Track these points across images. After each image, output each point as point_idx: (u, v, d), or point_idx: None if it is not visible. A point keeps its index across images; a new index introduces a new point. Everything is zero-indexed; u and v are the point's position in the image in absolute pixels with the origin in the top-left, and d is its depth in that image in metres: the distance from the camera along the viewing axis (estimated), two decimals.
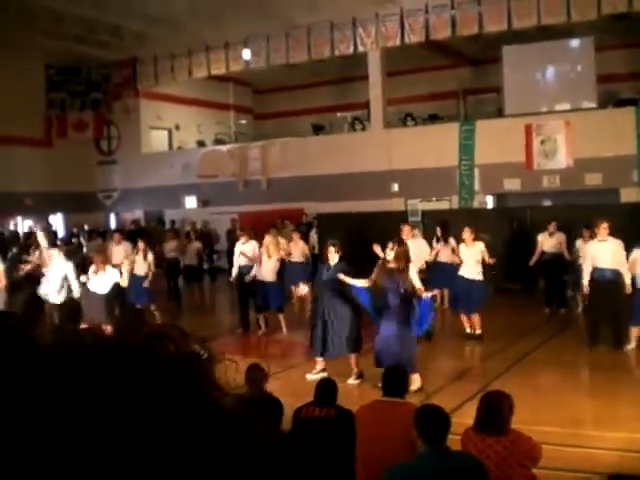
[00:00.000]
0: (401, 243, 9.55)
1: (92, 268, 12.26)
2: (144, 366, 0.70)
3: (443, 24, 20.89)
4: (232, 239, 22.76)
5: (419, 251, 12.55)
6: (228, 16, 21.61)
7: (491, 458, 4.70)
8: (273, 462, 0.73)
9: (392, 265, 9.10)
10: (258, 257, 13.55)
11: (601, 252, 11.34)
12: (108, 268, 12.29)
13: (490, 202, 21.71)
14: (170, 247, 18.06)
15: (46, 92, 26.89)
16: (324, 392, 5.86)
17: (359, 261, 20.28)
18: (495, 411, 4.88)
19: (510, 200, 21.37)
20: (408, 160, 21.07)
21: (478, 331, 12.18)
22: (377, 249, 10.70)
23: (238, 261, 14.06)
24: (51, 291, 12.77)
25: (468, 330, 12.28)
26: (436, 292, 10.36)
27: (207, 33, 23.36)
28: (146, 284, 14.39)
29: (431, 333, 11.23)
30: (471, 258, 12.23)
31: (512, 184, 20.45)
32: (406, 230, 13.10)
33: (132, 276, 13.56)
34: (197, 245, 19.23)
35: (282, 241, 15.68)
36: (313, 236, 19.89)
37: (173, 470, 0.64)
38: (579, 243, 14.41)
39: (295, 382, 9.39)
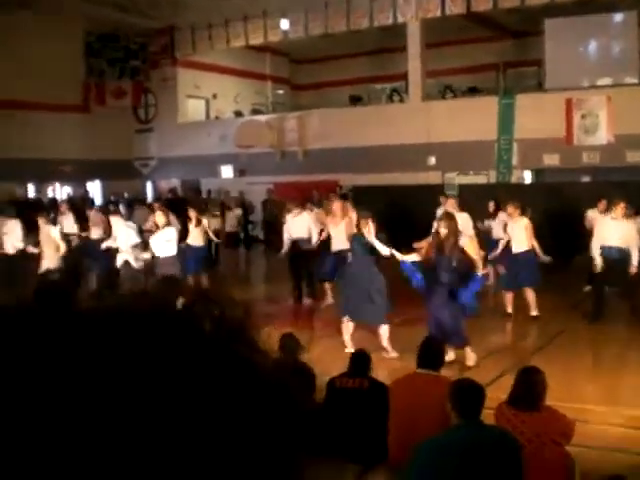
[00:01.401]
0: (451, 217, 9.35)
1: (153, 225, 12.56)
2: (185, 332, 0.70)
3: None
4: (268, 209, 22.87)
5: (462, 225, 12.35)
6: None
7: (524, 434, 4.69)
8: (311, 431, 0.73)
9: (444, 240, 8.90)
10: (326, 225, 13.23)
11: (611, 230, 11.27)
12: (167, 228, 12.26)
13: (528, 177, 21.50)
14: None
15: (85, 58, 26.98)
16: (358, 363, 5.87)
17: (394, 234, 20.24)
18: (530, 387, 4.86)
19: (548, 176, 21.13)
20: (446, 133, 20.89)
21: (534, 312, 11.76)
22: (417, 245, 10.38)
23: (291, 233, 13.81)
24: (128, 257, 12.94)
25: (510, 310, 11.97)
26: (488, 269, 10.05)
27: (245, 2, 23.26)
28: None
29: (478, 309, 10.94)
30: (518, 232, 11.98)
31: (551, 159, 20.20)
32: (450, 203, 12.93)
33: (187, 247, 13.62)
34: (238, 212, 19.22)
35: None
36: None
37: (216, 439, 0.64)
38: (590, 213, 14.25)
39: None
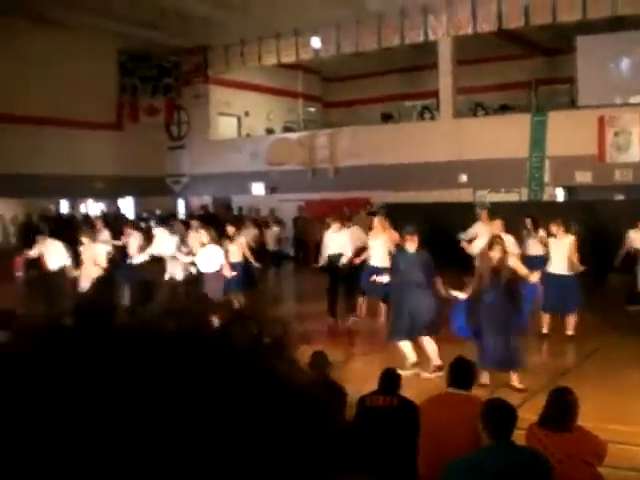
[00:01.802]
0: (501, 239, 9.10)
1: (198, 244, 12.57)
2: (222, 353, 0.71)
3: (516, 13, 20.56)
4: (299, 226, 22.91)
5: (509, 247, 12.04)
6: (298, 3, 21.64)
7: (555, 455, 4.65)
8: (343, 449, 0.74)
9: (494, 264, 8.66)
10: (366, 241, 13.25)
11: None
12: (212, 246, 12.43)
13: (560, 195, 21.35)
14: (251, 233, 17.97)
15: (118, 77, 27.33)
16: (388, 381, 5.87)
17: (427, 250, 20.14)
18: (562, 408, 4.83)
19: (581, 193, 20.98)
20: (477, 150, 20.82)
21: (570, 332, 11.57)
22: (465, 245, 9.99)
23: (327, 249, 13.72)
24: (175, 268, 13.14)
25: (545, 331, 11.71)
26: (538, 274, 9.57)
27: (277, 20, 23.41)
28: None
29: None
30: (562, 252, 11.66)
31: (583, 177, 20.05)
32: (497, 225, 12.60)
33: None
34: (276, 230, 19.15)
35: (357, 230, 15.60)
36: None
37: (253, 457, 0.65)
38: (632, 233, 14.12)
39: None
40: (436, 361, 9.28)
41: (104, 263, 12.96)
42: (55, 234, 14.39)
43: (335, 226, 13.81)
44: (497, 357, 8.59)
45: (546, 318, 11.76)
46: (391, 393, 5.71)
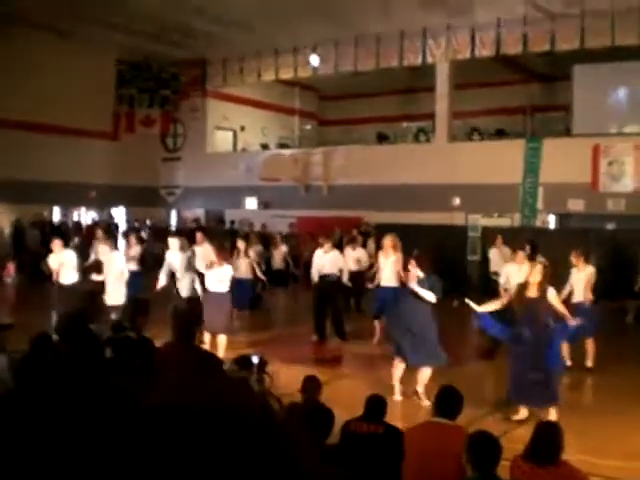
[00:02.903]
0: (545, 266, 8.67)
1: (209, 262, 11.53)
2: (247, 430, 0.70)
3: (515, 39, 20.70)
4: (292, 243, 22.83)
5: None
6: (298, 20, 21.74)
7: None
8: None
9: (532, 294, 8.35)
10: (376, 262, 13.05)
11: None
12: (225, 266, 11.47)
13: (552, 222, 21.42)
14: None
15: (116, 87, 27.35)
16: (374, 408, 5.83)
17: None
18: (548, 441, 4.80)
19: (573, 221, 21.03)
20: (471, 174, 20.89)
21: (589, 363, 11.29)
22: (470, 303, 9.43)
23: (321, 270, 13.43)
24: (179, 285, 12.14)
25: (569, 363, 11.09)
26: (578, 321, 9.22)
27: (277, 37, 23.52)
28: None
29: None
30: (582, 283, 11.38)
31: (576, 205, 20.13)
32: (520, 256, 12.01)
33: (234, 280, 12.61)
34: (283, 249, 18.77)
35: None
36: (370, 245, 19.79)
37: None
38: None
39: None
40: (425, 401, 8.84)
41: (125, 273, 12.34)
42: (46, 241, 14.09)
43: (326, 246, 13.61)
44: (531, 393, 8.32)
45: (566, 349, 11.47)
46: (377, 420, 5.68)
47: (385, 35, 22.61)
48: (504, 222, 20.99)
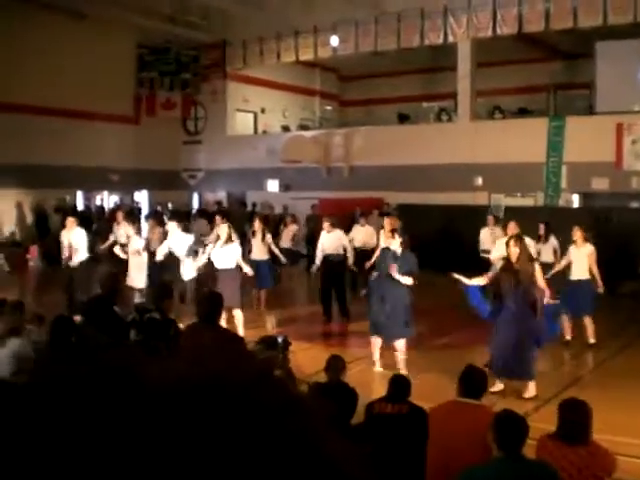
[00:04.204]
0: (521, 239, 8.91)
1: (220, 241, 11.74)
2: (257, 410, 0.69)
3: (537, 17, 20.45)
4: (311, 225, 22.85)
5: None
6: (318, 0, 21.61)
7: (565, 468, 4.61)
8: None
9: (515, 266, 8.55)
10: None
11: None
12: (232, 243, 11.74)
13: (576, 201, 21.25)
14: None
15: (137, 71, 27.40)
16: (397, 388, 5.83)
17: (438, 253, 20.12)
18: (574, 420, 4.77)
19: (597, 200, 20.85)
20: (494, 154, 20.74)
21: (592, 340, 11.52)
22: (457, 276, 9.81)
23: (324, 250, 13.65)
24: (189, 268, 12.29)
25: (568, 337, 11.59)
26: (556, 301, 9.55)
27: (296, 17, 23.41)
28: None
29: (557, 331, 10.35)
30: (581, 259, 11.64)
31: (600, 184, 19.93)
32: (512, 226, 12.46)
33: (251, 261, 13.10)
34: (293, 228, 19.03)
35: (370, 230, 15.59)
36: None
37: None
38: None
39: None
40: (404, 371, 9.14)
41: (145, 257, 12.59)
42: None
43: (327, 226, 13.74)
44: (508, 367, 8.51)
45: (567, 324, 11.65)
46: (400, 400, 5.68)
47: (406, 14, 22.40)
48: (527, 202, 20.85)
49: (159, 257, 12.46)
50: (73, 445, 0.62)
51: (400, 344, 9.70)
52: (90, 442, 0.62)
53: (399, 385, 5.84)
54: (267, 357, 5.60)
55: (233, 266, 11.63)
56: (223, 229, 11.86)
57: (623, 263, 15.11)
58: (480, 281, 9.10)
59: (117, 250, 13.60)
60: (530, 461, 4.47)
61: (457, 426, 5.19)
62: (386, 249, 9.99)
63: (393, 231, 10.10)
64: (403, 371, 9.07)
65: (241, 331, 10.84)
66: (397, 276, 9.44)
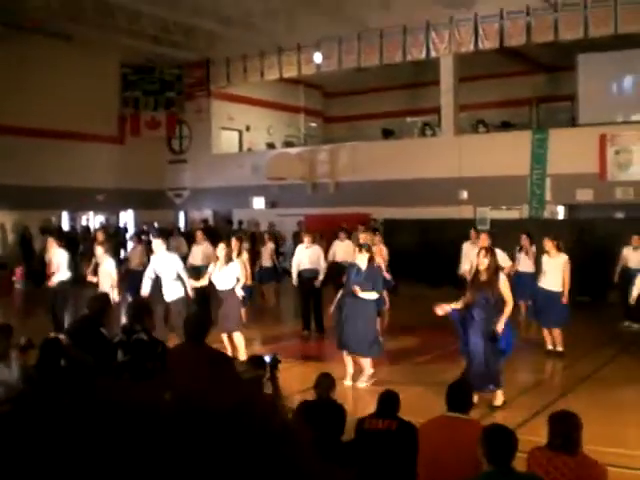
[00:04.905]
0: (492, 251, 9.01)
1: (218, 262, 11.50)
2: (254, 438, 0.69)
3: (518, 30, 20.60)
4: (298, 241, 22.84)
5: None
6: (301, 18, 21.72)
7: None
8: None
9: (483, 277, 8.66)
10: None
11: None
12: (231, 263, 11.51)
13: (561, 213, 21.35)
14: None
15: (121, 90, 27.40)
16: (386, 403, 5.82)
17: (425, 268, 20.15)
18: (570, 431, 4.76)
19: (582, 211, 20.96)
20: (478, 167, 20.83)
21: (559, 348, 11.68)
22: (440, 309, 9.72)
23: (299, 264, 13.86)
24: (164, 288, 11.68)
25: (550, 347, 11.76)
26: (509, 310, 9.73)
27: (279, 35, 23.49)
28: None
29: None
30: (554, 269, 11.72)
31: (584, 195, 20.04)
32: (483, 238, 12.68)
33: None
34: (271, 246, 19.08)
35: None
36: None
37: None
38: (625, 250, 14.29)
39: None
40: (368, 371, 9.74)
41: (115, 279, 12.32)
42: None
43: (307, 241, 13.96)
44: (478, 382, 8.41)
45: (546, 333, 11.84)
46: (390, 416, 5.67)
47: (388, 30, 22.53)
48: (513, 214, 20.93)
49: (144, 292, 11.61)
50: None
51: (365, 361, 9.88)
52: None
53: (388, 401, 5.83)
54: (253, 378, 5.55)
55: (233, 285, 11.46)
56: (221, 250, 11.59)
57: (608, 273, 15.19)
58: (457, 305, 9.02)
59: (89, 276, 13.23)
60: (521, 474, 4.46)
61: (447, 441, 5.18)
62: (352, 265, 10.09)
63: (360, 246, 10.25)
64: (362, 384, 9.65)
65: (243, 354, 10.73)
66: (361, 294, 9.60)
